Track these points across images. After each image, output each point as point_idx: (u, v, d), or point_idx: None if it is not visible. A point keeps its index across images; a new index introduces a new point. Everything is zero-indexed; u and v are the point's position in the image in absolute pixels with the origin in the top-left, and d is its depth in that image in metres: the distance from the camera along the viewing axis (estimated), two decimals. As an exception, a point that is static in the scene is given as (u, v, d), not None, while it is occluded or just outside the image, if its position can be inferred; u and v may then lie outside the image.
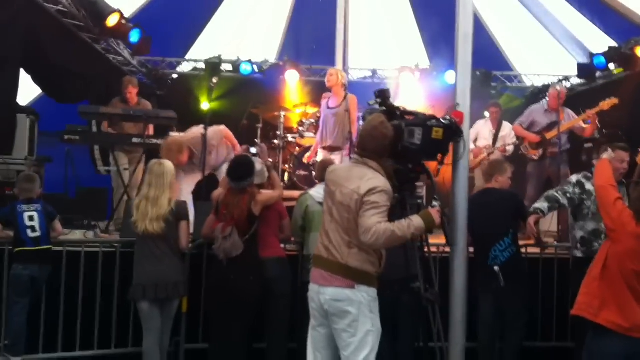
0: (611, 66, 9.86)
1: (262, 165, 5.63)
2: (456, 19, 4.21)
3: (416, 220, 3.73)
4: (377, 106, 4.23)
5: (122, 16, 8.40)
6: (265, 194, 5.40)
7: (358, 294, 3.76)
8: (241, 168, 5.35)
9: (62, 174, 9.16)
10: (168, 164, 5.44)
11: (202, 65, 11.95)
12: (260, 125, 10.07)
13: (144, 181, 5.46)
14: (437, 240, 6.83)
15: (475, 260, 5.49)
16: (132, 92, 8.29)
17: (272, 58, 12.35)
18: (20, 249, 5.47)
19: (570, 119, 8.39)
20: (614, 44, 9.69)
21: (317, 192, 5.38)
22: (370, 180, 3.72)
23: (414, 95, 11.47)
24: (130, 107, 8.10)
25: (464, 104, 4.14)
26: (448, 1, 10.69)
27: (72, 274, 5.73)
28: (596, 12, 10.08)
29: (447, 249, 6.20)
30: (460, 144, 4.17)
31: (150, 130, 8.11)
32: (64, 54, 8.31)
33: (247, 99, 10.93)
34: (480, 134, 9.54)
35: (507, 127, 9.42)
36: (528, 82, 12.30)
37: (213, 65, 11.85)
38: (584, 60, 10.42)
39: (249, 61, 11.67)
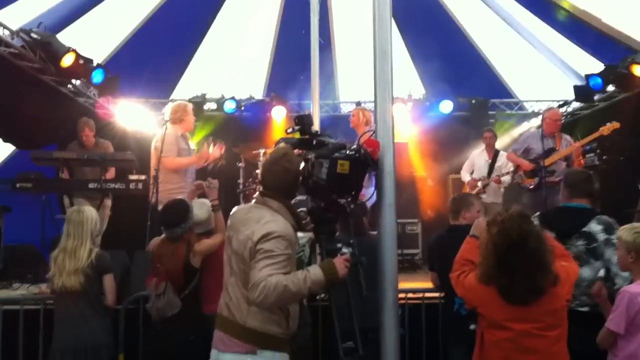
0: (610, 87, 9.21)
1: (207, 212, 4.98)
2: (373, 36, 3.56)
3: (314, 272, 3.06)
4: (295, 135, 3.60)
5: (78, 55, 7.93)
6: (204, 242, 4.75)
7: None
8: (173, 213, 4.75)
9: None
10: (88, 211, 4.89)
11: (185, 105, 11.55)
12: (242, 165, 9.54)
13: (63, 231, 4.87)
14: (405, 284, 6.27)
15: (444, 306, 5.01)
16: (89, 135, 7.88)
17: (258, 94, 11.90)
18: None
19: (567, 146, 7.72)
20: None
21: None
22: (266, 224, 3.09)
23: (406, 126, 10.98)
24: (87, 151, 7.63)
25: (385, 129, 3.43)
26: (440, 29, 10.64)
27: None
28: (579, 35, 9.50)
29: (413, 295, 5.68)
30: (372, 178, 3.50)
31: (112, 173, 7.63)
32: (19, 98, 7.85)
33: (230, 137, 10.42)
34: (475, 164, 8.98)
35: (503, 157, 8.84)
36: (530, 108, 11.65)
37: (196, 105, 11.48)
38: (580, 82, 9.77)
39: (233, 98, 11.29)
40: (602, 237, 4.03)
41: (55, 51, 7.81)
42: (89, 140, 7.87)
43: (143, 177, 7.06)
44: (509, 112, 11.55)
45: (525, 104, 11.73)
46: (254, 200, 3.33)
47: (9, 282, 7.01)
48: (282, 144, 3.37)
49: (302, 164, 3.37)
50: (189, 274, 4.61)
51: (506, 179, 8.62)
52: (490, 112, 11.46)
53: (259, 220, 3.12)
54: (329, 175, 3.22)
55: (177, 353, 4.42)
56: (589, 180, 4.37)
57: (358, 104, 10.60)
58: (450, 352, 4.82)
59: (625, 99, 9.19)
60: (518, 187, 8.03)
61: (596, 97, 9.84)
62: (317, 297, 5.13)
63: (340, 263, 3.11)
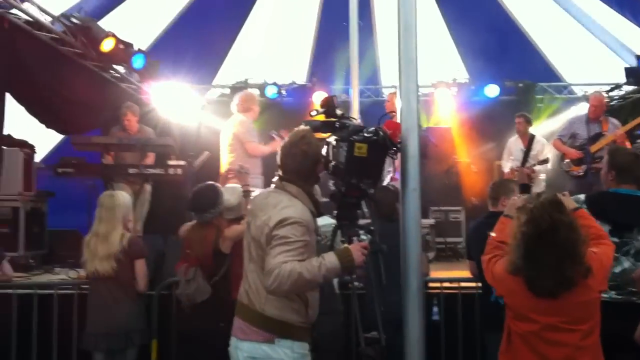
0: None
1: (238, 198, 4.93)
2: (397, 10, 3.37)
3: (329, 259, 2.95)
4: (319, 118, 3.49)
5: (118, 40, 7.97)
6: (234, 228, 4.68)
7: (279, 350, 3.04)
8: (202, 198, 4.71)
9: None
10: (120, 196, 4.90)
11: (228, 91, 11.60)
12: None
13: (95, 216, 4.89)
14: (437, 274, 6.14)
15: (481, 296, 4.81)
16: (131, 120, 7.92)
17: (300, 80, 11.82)
18: None
19: (615, 130, 7.41)
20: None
21: None
22: (283, 209, 3.00)
23: (450, 111, 10.76)
24: (128, 136, 7.69)
25: (408, 110, 3.26)
26: (483, 11, 10.35)
27: (25, 319, 5.22)
28: (633, 9, 9.05)
29: (450, 285, 5.54)
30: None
31: (151, 159, 7.68)
32: (61, 83, 7.91)
33: (271, 123, 10.39)
34: (512, 152, 8.67)
35: (539, 143, 8.49)
36: (579, 92, 11.24)
37: (239, 90, 11.48)
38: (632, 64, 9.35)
39: (275, 84, 11.24)
40: None
41: (95, 36, 7.85)
42: (132, 125, 7.92)
43: (182, 162, 7.08)
44: (557, 96, 11.16)
45: (574, 87, 11.33)
46: (273, 185, 3.25)
47: (51, 267, 7.14)
48: (301, 127, 3.27)
49: (324, 148, 3.27)
50: (219, 259, 4.57)
51: (540, 168, 8.32)
52: (537, 96, 11.07)
53: (276, 205, 3.04)
54: (347, 159, 3.11)
55: (207, 339, 4.39)
56: (638, 162, 4.06)
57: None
58: (487, 342, 4.68)
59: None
60: (565, 174, 7.75)
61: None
62: (350, 285, 5.04)
63: (357, 250, 3.00)
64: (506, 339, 3.12)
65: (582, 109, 9.47)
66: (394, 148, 3.21)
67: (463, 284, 5.41)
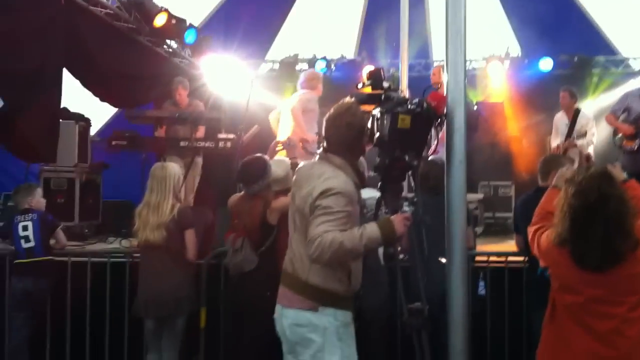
0: None
1: (285, 170, 4.97)
2: None
3: (370, 229, 2.97)
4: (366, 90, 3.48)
5: (170, 15, 8.10)
6: (281, 200, 4.69)
7: (323, 318, 3.09)
8: (251, 169, 4.77)
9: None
10: (171, 167, 4.99)
11: (277, 66, 11.68)
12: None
13: (147, 186, 5.01)
14: (485, 248, 6.09)
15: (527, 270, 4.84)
16: (182, 94, 8.02)
17: (350, 54, 11.79)
18: (16, 261, 5.24)
19: (673, 105, 7.18)
20: None
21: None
22: (327, 180, 3.03)
23: (503, 85, 10.58)
24: (180, 109, 7.82)
25: (456, 82, 3.23)
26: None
27: (79, 287, 5.39)
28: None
29: (497, 259, 5.50)
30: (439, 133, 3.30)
31: (201, 132, 7.80)
32: (116, 58, 8.10)
33: (321, 97, 10.40)
34: (558, 128, 8.44)
35: (583, 118, 8.20)
36: (636, 66, 10.88)
37: (288, 65, 11.57)
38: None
39: (324, 58, 11.27)
40: None
41: (148, 11, 8.01)
42: (183, 99, 8.02)
43: (232, 135, 7.17)
44: (614, 70, 10.83)
45: (631, 61, 10.97)
46: (317, 157, 3.28)
47: (105, 236, 7.36)
48: (346, 99, 3.28)
49: (370, 120, 3.28)
50: (266, 230, 4.62)
51: (582, 142, 8.08)
52: (593, 70, 10.77)
53: (320, 176, 3.07)
54: (390, 130, 3.11)
55: (254, 308, 4.46)
56: None
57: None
58: (533, 316, 4.63)
59: None
60: (618, 149, 7.56)
61: None
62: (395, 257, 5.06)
63: (399, 221, 3.01)
64: (550, 310, 3.09)
65: (638, 83, 9.19)
66: (438, 120, 3.19)
67: (510, 258, 5.36)
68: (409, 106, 3.13)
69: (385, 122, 3.15)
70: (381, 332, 4.66)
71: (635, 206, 2.91)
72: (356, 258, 3.13)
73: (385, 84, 3.44)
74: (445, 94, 3.30)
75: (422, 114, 3.12)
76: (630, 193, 2.99)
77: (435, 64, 11.35)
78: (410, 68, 9.34)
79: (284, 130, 7.33)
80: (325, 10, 11.68)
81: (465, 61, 3.42)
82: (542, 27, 10.27)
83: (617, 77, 10.67)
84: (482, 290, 5.42)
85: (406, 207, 3.21)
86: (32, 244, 5.24)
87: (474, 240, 5.39)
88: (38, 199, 5.50)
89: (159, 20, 8.01)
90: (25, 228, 5.26)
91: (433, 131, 3.26)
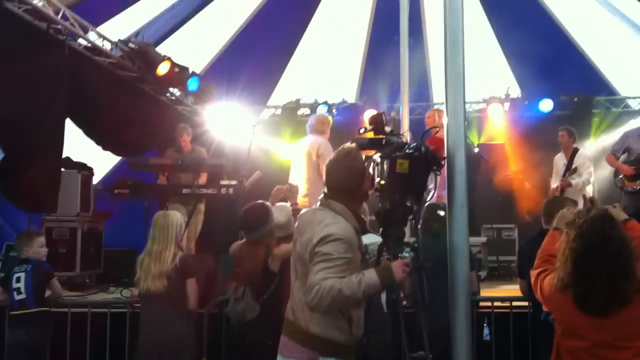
0: None
1: (287, 216, 4.96)
2: (444, 25, 3.36)
3: (369, 276, 2.93)
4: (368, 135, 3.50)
5: (173, 64, 8.20)
6: (283, 246, 4.66)
7: None
8: (252, 216, 4.76)
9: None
10: (173, 215, 4.98)
11: (279, 111, 11.79)
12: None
13: (149, 235, 4.99)
14: (489, 293, 6.03)
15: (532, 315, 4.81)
16: (186, 140, 8.12)
17: (351, 99, 11.89)
18: (11, 312, 5.22)
19: (672, 145, 7.20)
20: None
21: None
22: (327, 226, 3.00)
23: (504, 127, 10.64)
24: (183, 156, 7.86)
25: (456, 126, 3.25)
26: (534, 23, 10.21)
27: (79, 337, 5.33)
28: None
29: (501, 304, 5.43)
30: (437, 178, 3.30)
31: (204, 179, 7.82)
32: (119, 107, 8.20)
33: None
34: (557, 168, 8.44)
35: (580, 157, 8.19)
36: (635, 105, 10.94)
37: (291, 110, 11.66)
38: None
39: (326, 103, 11.37)
40: None
41: (151, 60, 8.12)
42: (186, 145, 8.09)
43: (234, 182, 7.19)
44: (613, 109, 10.90)
45: (630, 101, 11.05)
46: (318, 203, 3.27)
47: (106, 286, 7.32)
48: (347, 144, 3.28)
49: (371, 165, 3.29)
50: (268, 278, 4.58)
51: (577, 181, 8.04)
52: (593, 111, 10.84)
53: (321, 222, 3.05)
54: (389, 175, 3.12)
55: (255, 357, 4.41)
56: None
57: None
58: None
59: None
60: (619, 190, 7.54)
61: None
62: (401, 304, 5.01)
63: (398, 267, 2.98)
64: (555, 356, 3.05)
65: (637, 122, 9.22)
66: (437, 164, 3.19)
67: (515, 303, 5.30)
68: (407, 150, 3.13)
69: (384, 166, 3.15)
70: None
71: (637, 248, 2.90)
72: (355, 305, 3.09)
73: (388, 129, 3.46)
74: (443, 137, 3.31)
75: (420, 157, 3.13)
76: (631, 234, 2.99)
77: (435, 107, 11.50)
78: (411, 111, 9.36)
79: (297, 176, 7.26)
80: (326, 55, 11.83)
81: (464, 104, 3.45)
82: (542, 68, 10.36)
83: (616, 117, 10.72)
84: (487, 336, 5.34)
85: (406, 253, 3.17)
86: (23, 295, 5.20)
87: (478, 285, 5.35)
88: (35, 249, 5.45)
89: (162, 69, 8.11)
90: (18, 280, 5.22)
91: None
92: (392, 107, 11.16)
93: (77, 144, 8.34)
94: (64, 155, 7.55)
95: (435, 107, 9.39)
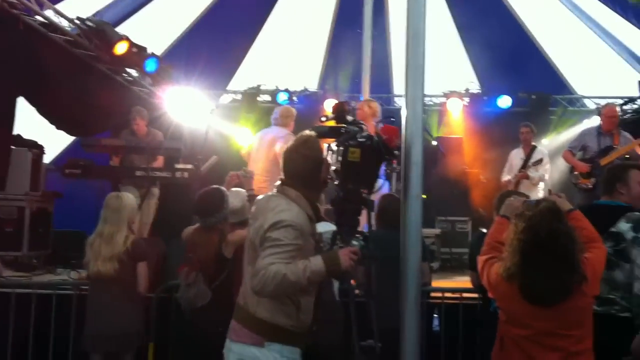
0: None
1: (241, 201, 4.91)
2: (406, 18, 3.35)
3: (315, 262, 2.92)
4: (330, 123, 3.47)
5: (131, 44, 8.01)
6: (238, 232, 4.64)
7: (267, 354, 3.00)
8: (208, 201, 4.70)
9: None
10: (126, 198, 4.90)
11: (239, 97, 11.69)
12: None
13: (101, 217, 4.89)
14: (441, 284, 6.09)
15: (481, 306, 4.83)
16: (140, 124, 7.96)
17: (312, 87, 11.85)
18: None
19: (627, 143, 7.33)
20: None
21: None
22: (279, 213, 2.98)
23: (462, 121, 10.76)
24: (138, 139, 7.72)
25: (414, 117, 3.23)
26: (495, 21, 10.31)
27: (22, 320, 5.20)
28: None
29: (452, 295, 5.49)
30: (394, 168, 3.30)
31: (160, 162, 7.70)
32: (73, 86, 7.96)
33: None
34: (512, 162, 8.61)
35: (539, 153, 8.41)
36: (591, 105, 11.16)
37: (250, 96, 11.57)
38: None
39: (286, 90, 11.29)
40: (630, 235, 3.68)
41: (109, 39, 7.89)
42: (141, 129, 7.94)
43: (189, 166, 7.10)
44: (570, 108, 11.11)
45: (587, 100, 11.27)
46: (274, 189, 3.24)
47: (53, 267, 7.15)
48: (305, 132, 3.26)
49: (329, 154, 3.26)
50: (221, 264, 4.53)
51: (534, 175, 8.27)
52: (551, 109, 11.02)
53: (274, 209, 3.02)
54: (342, 163, 3.11)
55: (205, 343, 4.37)
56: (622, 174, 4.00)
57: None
58: (486, 352, 4.63)
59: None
60: (573, 186, 7.68)
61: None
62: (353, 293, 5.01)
63: (345, 255, 2.97)
64: (499, 343, 3.11)
65: (594, 121, 9.40)
66: (390, 154, 3.19)
67: (465, 295, 5.35)
68: (359, 139, 3.12)
69: (338, 155, 3.14)
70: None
71: (581, 239, 2.98)
72: (303, 291, 3.07)
73: (349, 118, 3.45)
74: (398, 127, 3.31)
75: (372, 146, 3.12)
76: (575, 224, 3.06)
77: (396, 99, 11.58)
78: (372, 101, 9.37)
79: (256, 166, 7.22)
80: (289, 43, 11.75)
81: (423, 95, 3.44)
82: (502, 65, 10.49)
83: (573, 116, 10.93)
84: (436, 327, 5.39)
85: (354, 242, 3.15)
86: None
87: (430, 276, 5.39)
88: None
89: (120, 49, 7.90)
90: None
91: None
92: (353, 97, 11.19)
93: (29, 122, 8.11)
94: (14, 133, 7.35)
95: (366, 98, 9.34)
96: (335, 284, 3.73)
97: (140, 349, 4.81)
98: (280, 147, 6.95)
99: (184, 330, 4.70)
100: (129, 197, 4.96)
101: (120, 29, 8.67)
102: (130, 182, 7.42)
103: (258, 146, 7.41)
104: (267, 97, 11.54)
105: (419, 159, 3.29)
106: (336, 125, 3.42)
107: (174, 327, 5.08)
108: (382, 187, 3.54)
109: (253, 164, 7.30)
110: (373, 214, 3.43)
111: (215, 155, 7.83)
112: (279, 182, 3.21)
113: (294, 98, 11.37)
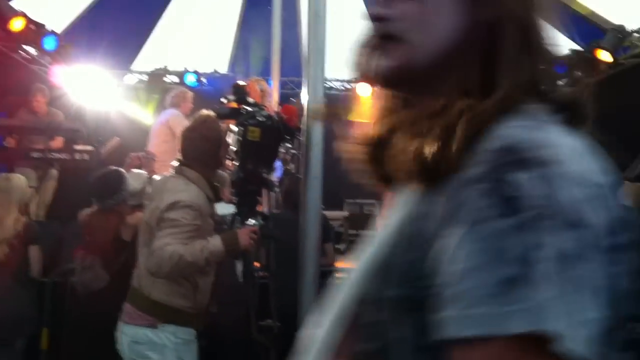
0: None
1: (142, 184, 4.78)
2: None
3: (213, 242, 2.90)
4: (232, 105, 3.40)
5: (29, 20, 7.62)
6: (137, 215, 4.49)
7: (162, 336, 2.96)
8: (105, 183, 4.53)
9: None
10: (16, 179, 4.67)
11: (145, 77, 11.35)
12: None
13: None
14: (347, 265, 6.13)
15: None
16: (41, 101, 7.64)
17: (223, 69, 11.66)
18: None
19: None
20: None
21: None
22: (177, 193, 2.92)
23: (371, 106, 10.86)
24: (36, 119, 7.37)
25: (315, 98, 3.21)
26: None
27: None
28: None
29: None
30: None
31: (59, 143, 7.38)
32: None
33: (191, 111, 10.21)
34: None
35: None
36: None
37: (156, 77, 11.26)
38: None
39: (195, 72, 11.02)
40: None
41: (3, 14, 7.49)
42: (41, 107, 7.62)
43: (89, 147, 6.85)
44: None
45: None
46: (171, 170, 3.15)
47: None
48: (203, 111, 3.19)
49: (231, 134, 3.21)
50: (119, 247, 4.39)
51: None
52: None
53: (171, 189, 2.97)
54: (241, 143, 3.06)
55: (101, 327, 4.22)
56: None
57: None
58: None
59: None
60: None
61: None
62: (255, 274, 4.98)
63: (244, 234, 2.94)
64: None
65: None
66: (290, 134, 3.16)
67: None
68: (259, 118, 3.07)
69: (237, 134, 3.08)
70: (236, 350, 4.54)
71: None
72: (202, 272, 3.01)
73: (251, 100, 3.39)
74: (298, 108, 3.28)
75: (273, 126, 3.07)
76: None
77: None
78: (283, 85, 9.32)
79: (152, 148, 7.14)
80: (197, 23, 11.51)
81: (324, 76, 3.40)
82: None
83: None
84: None
85: (253, 220, 3.10)
86: None
87: (334, 257, 5.40)
88: None
89: (16, 25, 7.50)
90: None
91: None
92: (264, 80, 11.09)
93: None
94: None
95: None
96: (239, 266, 3.68)
97: (33, 335, 4.59)
98: (171, 125, 6.96)
99: (79, 315, 4.52)
100: (20, 179, 4.73)
101: (16, 4, 8.23)
102: (26, 163, 7.08)
103: (153, 129, 7.42)
104: (175, 79, 11.22)
105: (319, 141, 3.25)
106: (236, 106, 3.37)
107: (69, 312, 4.87)
108: (277, 168, 3.52)
109: (150, 147, 7.20)
110: (272, 194, 3.41)
111: (117, 137, 7.59)
112: (176, 163, 3.13)
113: (203, 79, 11.13)
